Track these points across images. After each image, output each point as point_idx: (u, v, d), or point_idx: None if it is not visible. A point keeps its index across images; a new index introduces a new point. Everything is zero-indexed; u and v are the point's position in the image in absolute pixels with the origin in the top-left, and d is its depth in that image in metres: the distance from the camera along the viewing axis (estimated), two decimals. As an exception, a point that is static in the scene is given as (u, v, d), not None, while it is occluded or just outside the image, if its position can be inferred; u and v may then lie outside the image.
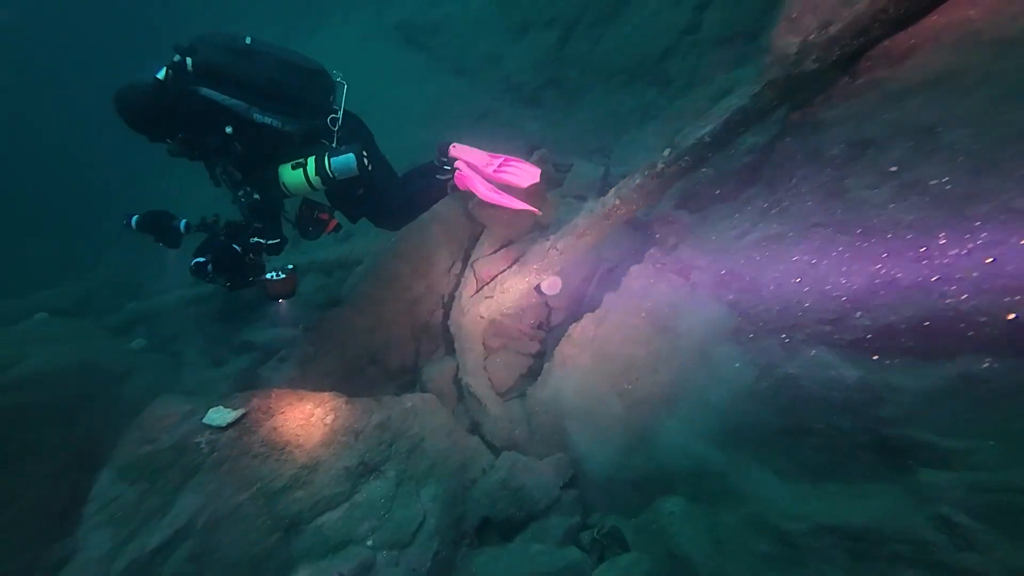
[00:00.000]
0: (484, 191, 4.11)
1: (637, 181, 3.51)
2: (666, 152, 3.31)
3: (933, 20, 2.29)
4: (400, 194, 4.29)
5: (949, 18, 2.23)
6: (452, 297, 5.94)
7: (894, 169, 2.27)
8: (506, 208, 4.29)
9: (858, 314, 2.27)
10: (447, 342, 5.91)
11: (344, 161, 3.54)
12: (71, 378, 5.26)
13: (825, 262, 2.43)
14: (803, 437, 2.48)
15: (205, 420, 3.43)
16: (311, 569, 3.02)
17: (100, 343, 6.32)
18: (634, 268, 3.65)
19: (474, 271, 5.67)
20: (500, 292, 4.88)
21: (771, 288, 2.61)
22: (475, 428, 4.32)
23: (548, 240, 4.41)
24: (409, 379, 5.89)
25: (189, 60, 3.23)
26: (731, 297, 2.85)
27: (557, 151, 6.66)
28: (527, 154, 6.83)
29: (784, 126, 2.94)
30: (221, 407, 3.53)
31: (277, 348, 7.00)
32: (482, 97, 8.33)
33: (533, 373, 5.25)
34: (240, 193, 3.47)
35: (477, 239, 6.16)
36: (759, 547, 2.56)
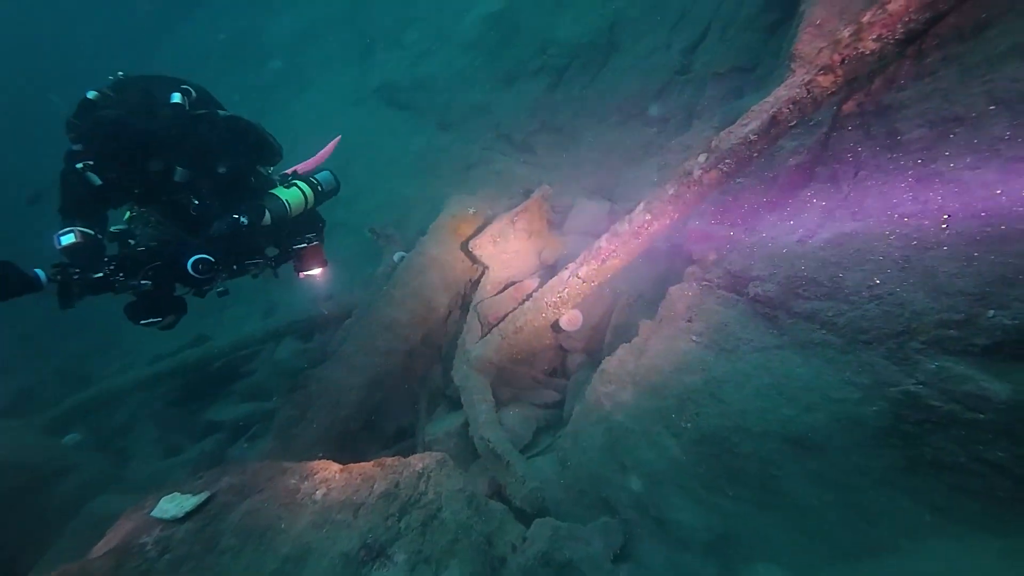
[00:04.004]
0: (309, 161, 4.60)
1: (671, 192, 3.20)
2: (702, 157, 3.03)
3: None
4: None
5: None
6: (453, 347, 5.42)
7: (999, 146, 1.98)
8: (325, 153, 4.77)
9: (991, 312, 1.87)
10: (449, 398, 5.31)
11: (327, 175, 3.93)
12: (-15, 483, 4.31)
13: (929, 255, 2.07)
14: (938, 474, 2.00)
15: (155, 513, 2.71)
16: None
17: (26, 442, 5.33)
18: (674, 289, 3.25)
19: (478, 314, 5.19)
20: (513, 333, 4.39)
21: (863, 292, 2.22)
22: (497, 491, 3.65)
23: (566, 270, 4.00)
24: (408, 444, 5.19)
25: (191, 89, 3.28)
26: (808, 306, 2.44)
27: (554, 193, 6.44)
28: (523, 196, 6.63)
29: (835, 119, 2.70)
30: (177, 494, 2.84)
31: (249, 425, 6.19)
32: (470, 148, 8.25)
33: (552, 426, 4.67)
34: (228, 219, 3.02)
35: (477, 283, 5.76)
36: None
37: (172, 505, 2.71)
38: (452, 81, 8.75)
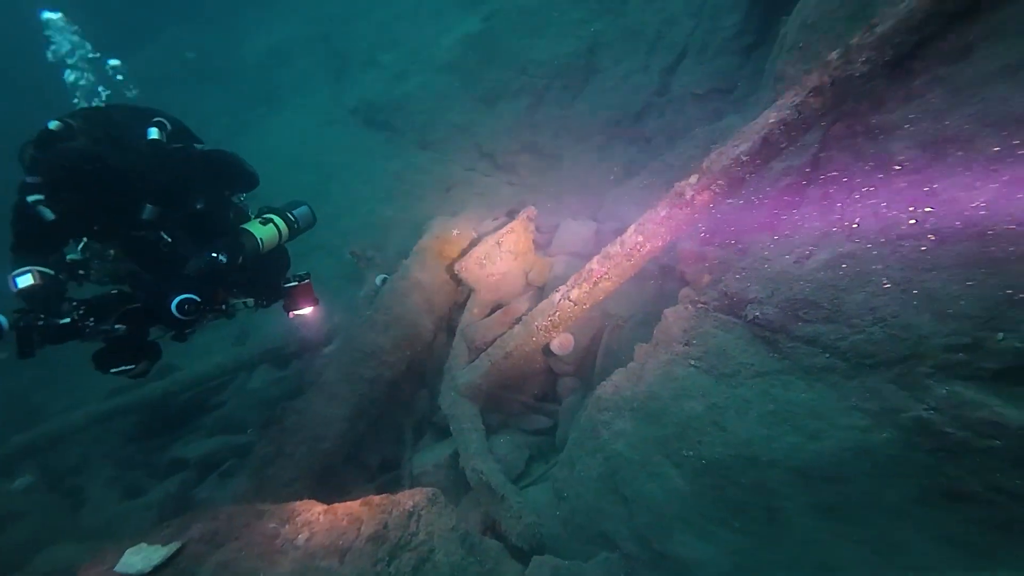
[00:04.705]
0: None
1: (663, 213, 3.16)
2: (694, 178, 3.01)
3: (987, 16, 2.16)
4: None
5: (1010, 11, 2.10)
6: (438, 372, 5.25)
7: (994, 167, 1.99)
8: None
9: (1000, 335, 1.85)
10: (436, 426, 5.12)
11: (305, 211, 3.77)
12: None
13: (931, 276, 2.05)
14: (953, 505, 1.94)
15: (119, 568, 2.48)
16: None
17: None
18: (669, 312, 3.18)
19: (466, 338, 5.05)
20: (502, 358, 4.26)
21: (865, 314, 2.19)
22: (491, 527, 3.48)
23: (557, 292, 3.92)
24: (394, 476, 4.96)
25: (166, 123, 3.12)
26: (809, 330, 2.40)
27: (539, 214, 6.38)
28: (507, 217, 6.57)
29: (824, 140, 2.71)
30: (144, 544, 2.60)
31: (219, 461, 5.80)
32: (451, 168, 8.18)
33: (545, 453, 4.53)
34: (206, 257, 2.88)
35: (462, 306, 5.62)
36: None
37: (138, 558, 2.48)
38: (431, 102, 8.71)
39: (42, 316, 2.40)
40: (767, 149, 2.69)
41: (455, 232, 6.01)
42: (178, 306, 2.54)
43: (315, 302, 3.40)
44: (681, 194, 3.06)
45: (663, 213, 3.17)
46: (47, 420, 6.71)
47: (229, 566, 2.54)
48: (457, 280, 5.55)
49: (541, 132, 7.11)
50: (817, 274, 2.44)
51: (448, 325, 5.73)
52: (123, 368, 2.66)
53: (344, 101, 11.14)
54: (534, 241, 6.03)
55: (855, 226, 2.20)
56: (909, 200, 2.21)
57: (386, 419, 5.24)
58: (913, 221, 2.07)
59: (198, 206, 2.96)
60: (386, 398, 5.15)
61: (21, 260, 2.55)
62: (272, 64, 14.26)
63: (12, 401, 8.06)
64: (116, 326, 2.52)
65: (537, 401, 4.85)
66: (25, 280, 2.42)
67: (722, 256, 3.14)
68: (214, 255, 2.78)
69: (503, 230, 5.40)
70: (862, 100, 2.48)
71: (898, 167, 2.26)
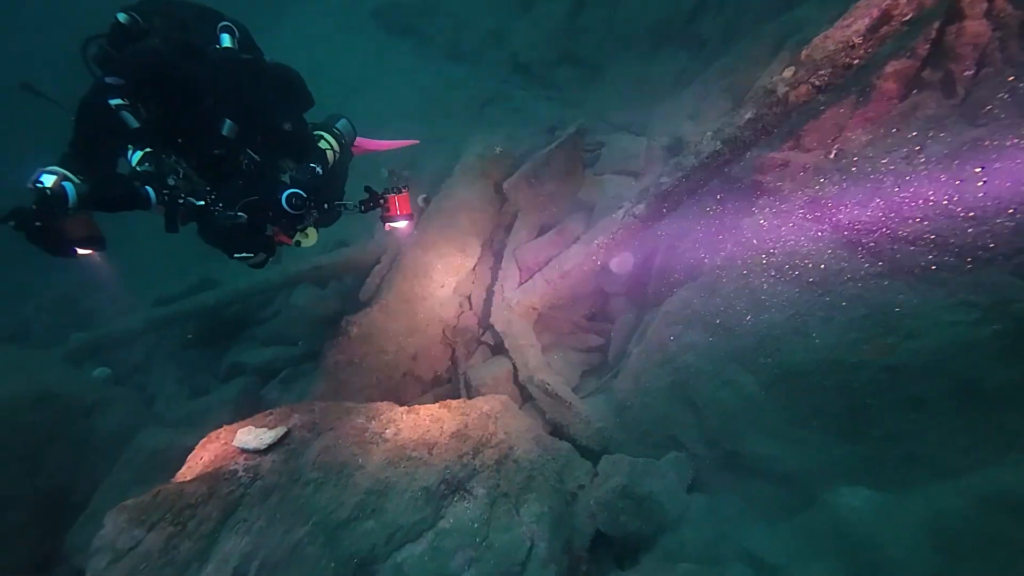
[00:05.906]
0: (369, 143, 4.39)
1: (748, 116, 2.96)
2: (788, 72, 2.78)
3: None
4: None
5: None
6: (489, 292, 5.29)
7: None
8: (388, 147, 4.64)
9: None
10: (485, 344, 5.23)
11: (345, 124, 3.68)
12: (28, 412, 4.32)
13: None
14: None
15: (236, 443, 2.74)
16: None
17: (57, 373, 5.22)
18: (747, 223, 3.08)
19: (516, 260, 5.02)
20: (559, 278, 4.25)
21: (989, 206, 2.07)
22: (557, 431, 3.64)
23: (621, 208, 3.81)
24: (444, 390, 5.17)
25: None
26: (916, 229, 2.30)
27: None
28: (548, 134, 6.28)
29: (952, 8, 2.42)
30: (252, 427, 2.86)
31: (276, 368, 6.15)
32: (485, 81, 7.72)
33: (596, 369, 4.63)
34: (306, 168, 2.89)
35: (509, 228, 5.54)
36: (1007, 530, 1.98)
37: (251, 437, 2.73)
38: (461, 3, 8.03)
39: (183, 195, 2.48)
40: (888, 26, 2.42)
41: (498, 150, 5.80)
42: (287, 199, 2.58)
43: (412, 216, 3.36)
44: (772, 91, 2.84)
45: (748, 116, 2.97)
46: (104, 323, 6.98)
47: (330, 450, 2.75)
48: (506, 200, 5.43)
49: (583, 39, 6.58)
50: (928, 168, 2.30)
51: (493, 244, 5.68)
52: (244, 255, 2.79)
53: (363, 1, 10.31)
54: (583, 159, 5.81)
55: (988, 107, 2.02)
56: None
57: (436, 337, 5.36)
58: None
59: (286, 127, 2.88)
60: (436, 318, 5.25)
61: (69, 160, 2.41)
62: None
63: (63, 304, 8.39)
64: (239, 214, 2.61)
65: (587, 320, 4.89)
66: (48, 180, 2.28)
67: (811, 160, 2.97)
68: (312, 165, 2.81)
69: (552, 147, 5.18)
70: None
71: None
